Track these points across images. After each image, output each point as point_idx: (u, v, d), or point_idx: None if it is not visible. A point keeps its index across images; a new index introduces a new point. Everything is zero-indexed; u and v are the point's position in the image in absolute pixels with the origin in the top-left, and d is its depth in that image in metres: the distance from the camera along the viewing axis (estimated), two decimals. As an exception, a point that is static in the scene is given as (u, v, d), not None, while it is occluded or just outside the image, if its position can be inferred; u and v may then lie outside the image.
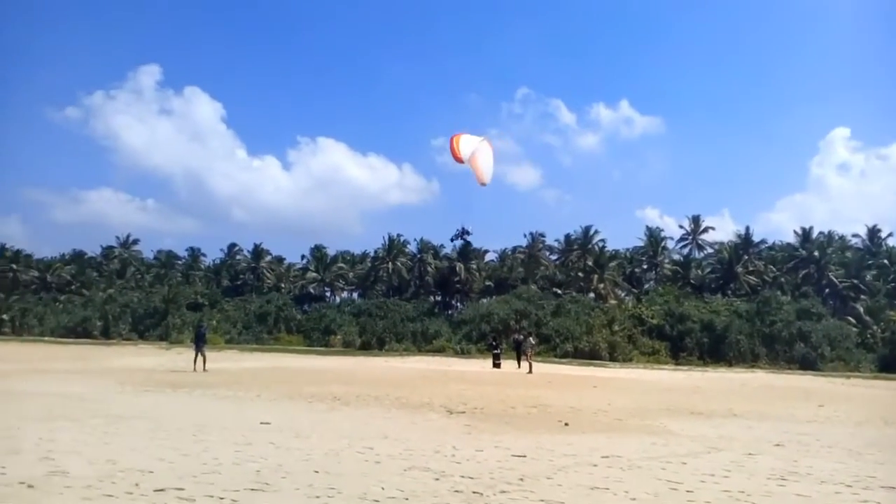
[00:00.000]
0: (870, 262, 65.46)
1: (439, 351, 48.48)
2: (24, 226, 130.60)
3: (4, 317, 62.06)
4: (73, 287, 75.53)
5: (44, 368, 23.18)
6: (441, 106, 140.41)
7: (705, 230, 72.77)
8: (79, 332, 57.38)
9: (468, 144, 17.04)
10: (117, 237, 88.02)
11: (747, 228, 68.95)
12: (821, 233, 68.84)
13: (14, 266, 79.17)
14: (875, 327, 50.91)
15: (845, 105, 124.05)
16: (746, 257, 65.98)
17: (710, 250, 71.94)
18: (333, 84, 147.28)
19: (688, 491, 7.06)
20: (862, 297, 60.07)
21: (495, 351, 32.87)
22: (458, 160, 16.50)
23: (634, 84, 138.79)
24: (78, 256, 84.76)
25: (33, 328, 60.32)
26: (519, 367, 30.50)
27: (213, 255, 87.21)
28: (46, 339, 53.44)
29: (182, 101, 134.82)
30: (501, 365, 31.40)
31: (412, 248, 75.16)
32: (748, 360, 45.74)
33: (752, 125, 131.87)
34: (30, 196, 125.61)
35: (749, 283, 63.83)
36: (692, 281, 66.39)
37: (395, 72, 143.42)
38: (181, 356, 32.07)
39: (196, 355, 24.03)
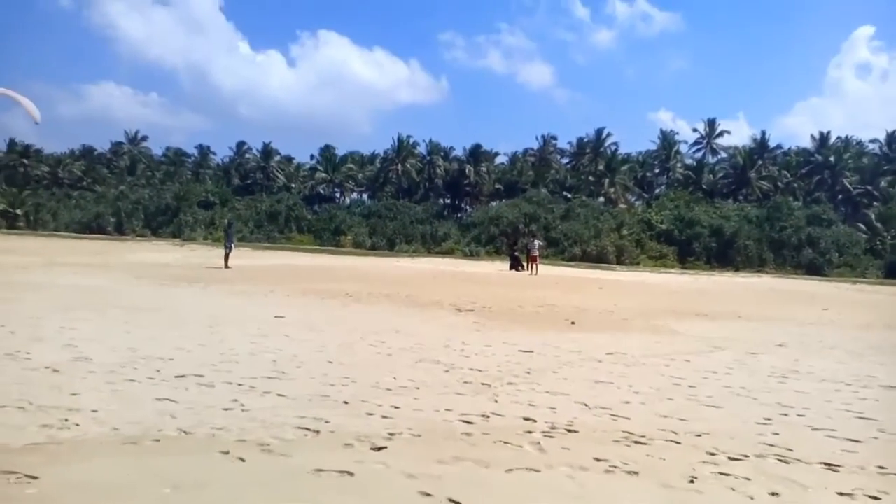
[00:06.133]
0: (885, 168, 64.37)
1: (448, 253, 49.04)
2: (29, 120, 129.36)
3: (18, 211, 62.87)
4: (84, 183, 75.91)
5: (62, 262, 23.56)
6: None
7: (720, 134, 71.47)
8: (93, 227, 58.26)
9: None
10: (126, 132, 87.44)
11: (763, 133, 68.00)
12: (838, 138, 67.33)
13: (25, 161, 79.34)
14: (886, 234, 50.68)
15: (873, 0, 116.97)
16: (760, 162, 64.97)
17: (724, 155, 70.69)
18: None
19: (690, 386, 7.28)
20: (875, 203, 59.51)
21: (515, 254, 33.02)
22: None
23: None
24: (87, 152, 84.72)
25: (47, 223, 61.21)
26: (527, 269, 30.78)
27: (222, 153, 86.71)
28: (62, 233, 54.26)
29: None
30: (520, 268, 31.18)
31: (422, 149, 74.31)
32: (755, 264, 46.08)
33: (773, 24, 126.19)
34: (32, 89, 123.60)
35: (762, 188, 63.23)
36: (704, 186, 65.77)
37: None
38: (194, 253, 32.60)
39: (227, 252, 24.54)
